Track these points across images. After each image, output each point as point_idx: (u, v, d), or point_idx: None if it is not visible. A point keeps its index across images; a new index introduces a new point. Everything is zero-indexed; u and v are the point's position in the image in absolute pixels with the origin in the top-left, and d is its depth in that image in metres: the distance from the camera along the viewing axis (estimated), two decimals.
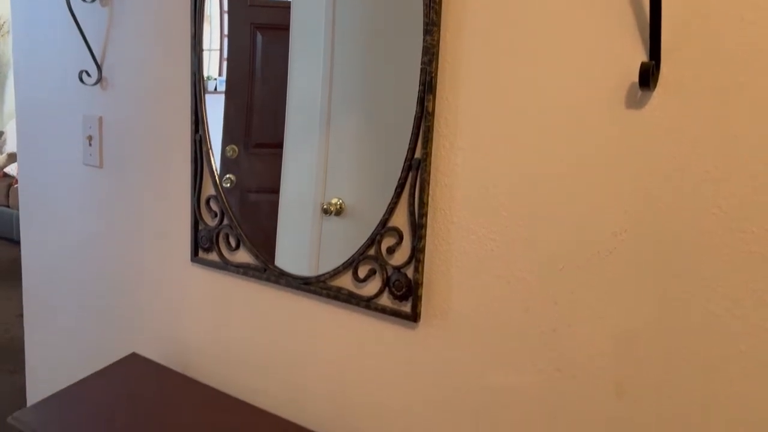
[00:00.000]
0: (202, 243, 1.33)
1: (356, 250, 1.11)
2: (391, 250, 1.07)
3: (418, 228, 1.03)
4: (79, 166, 1.57)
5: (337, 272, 1.14)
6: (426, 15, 0.96)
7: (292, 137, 1.22)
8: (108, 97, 1.47)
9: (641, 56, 0.81)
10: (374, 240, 1.08)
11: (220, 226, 1.30)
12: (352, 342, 1.15)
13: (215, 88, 1.31)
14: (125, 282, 1.53)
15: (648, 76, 0.78)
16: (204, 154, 1.30)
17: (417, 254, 1.03)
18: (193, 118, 1.30)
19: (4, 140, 5.95)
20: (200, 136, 1.30)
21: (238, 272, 1.28)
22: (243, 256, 1.28)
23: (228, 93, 1.32)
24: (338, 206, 1.16)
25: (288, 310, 1.23)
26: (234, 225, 1.27)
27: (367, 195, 1.12)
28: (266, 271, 1.24)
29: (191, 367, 1.41)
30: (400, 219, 1.05)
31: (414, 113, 1.00)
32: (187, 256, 1.38)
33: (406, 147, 1.02)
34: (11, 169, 5.30)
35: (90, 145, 1.51)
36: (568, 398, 0.92)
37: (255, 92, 1.30)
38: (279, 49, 1.23)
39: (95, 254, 1.59)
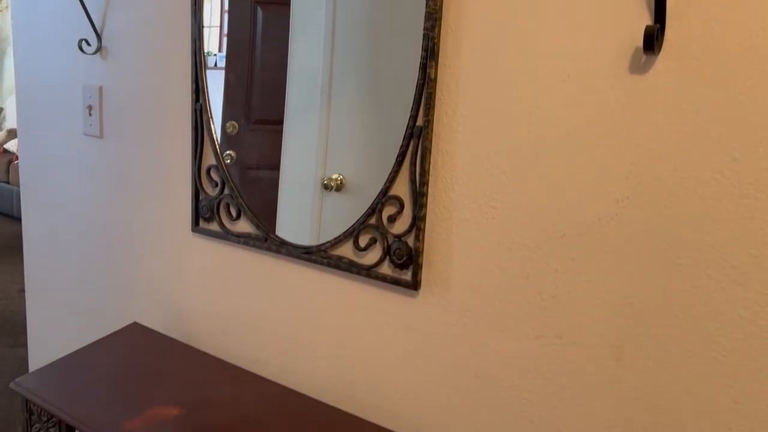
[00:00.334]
0: (203, 213, 1.33)
1: (357, 219, 1.11)
2: (391, 219, 1.07)
3: (419, 196, 1.03)
4: (79, 137, 1.56)
5: (337, 241, 1.14)
6: None
7: (293, 113, 1.22)
8: (108, 66, 1.46)
9: (646, 20, 0.80)
10: (375, 209, 1.08)
11: (221, 196, 1.30)
12: (352, 311, 1.15)
13: (215, 64, 1.31)
14: (126, 253, 1.53)
15: (652, 40, 0.78)
16: (204, 123, 1.29)
17: (418, 223, 1.03)
18: (194, 87, 1.29)
19: (4, 116, 5.93)
20: (201, 105, 1.29)
21: (238, 242, 1.28)
22: (244, 226, 1.28)
23: (228, 69, 1.31)
24: (339, 182, 1.16)
25: (289, 279, 1.23)
26: (235, 195, 1.27)
27: (368, 169, 1.11)
28: (267, 240, 1.24)
29: (192, 336, 1.42)
30: (401, 187, 1.05)
31: (416, 81, 0.99)
32: (188, 226, 1.38)
33: (408, 116, 1.01)
34: (11, 146, 5.28)
35: (90, 115, 1.51)
36: (567, 364, 0.93)
37: (255, 68, 1.29)
38: (279, 24, 1.22)
39: (96, 225, 1.59)
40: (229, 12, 1.28)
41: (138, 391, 1.14)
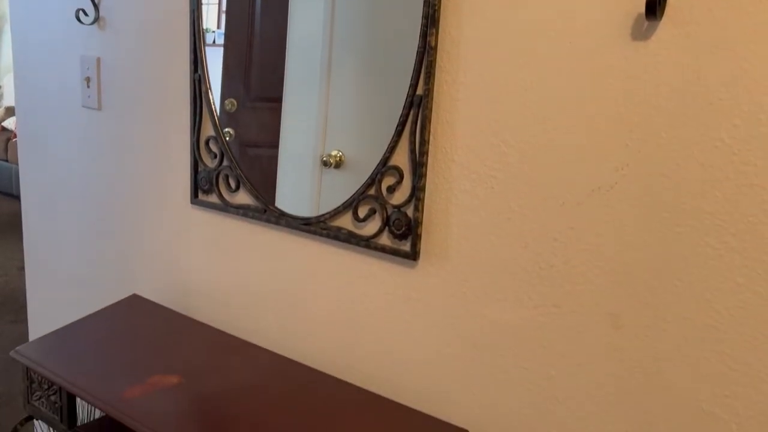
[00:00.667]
0: (202, 184, 1.33)
1: (356, 190, 1.10)
2: (391, 190, 1.07)
3: (419, 166, 1.02)
4: (77, 109, 1.56)
5: (337, 212, 1.14)
6: None
7: (292, 89, 1.21)
8: (106, 37, 1.45)
9: None
10: (374, 179, 1.08)
11: (220, 167, 1.29)
12: (351, 281, 1.15)
13: (214, 41, 1.29)
14: (125, 225, 1.53)
15: (655, 5, 0.77)
16: (203, 94, 1.29)
17: (417, 193, 1.03)
18: (192, 57, 1.28)
19: (1, 94, 5.90)
20: (199, 76, 1.28)
21: (238, 213, 1.28)
22: (243, 198, 1.28)
23: (227, 45, 1.30)
24: (338, 158, 1.15)
25: (288, 250, 1.23)
26: (234, 166, 1.27)
27: (368, 144, 1.11)
28: (266, 212, 1.24)
29: (192, 308, 1.42)
30: (401, 158, 1.04)
31: (416, 49, 0.98)
32: (187, 198, 1.37)
33: (408, 86, 1.00)
34: (9, 123, 5.26)
35: (88, 86, 1.50)
36: (565, 332, 0.93)
37: (254, 44, 1.28)
38: None
39: (95, 198, 1.59)
40: None
41: (138, 360, 1.15)
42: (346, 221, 1.13)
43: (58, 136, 1.64)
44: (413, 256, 1.05)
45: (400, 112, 1.02)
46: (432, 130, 1.01)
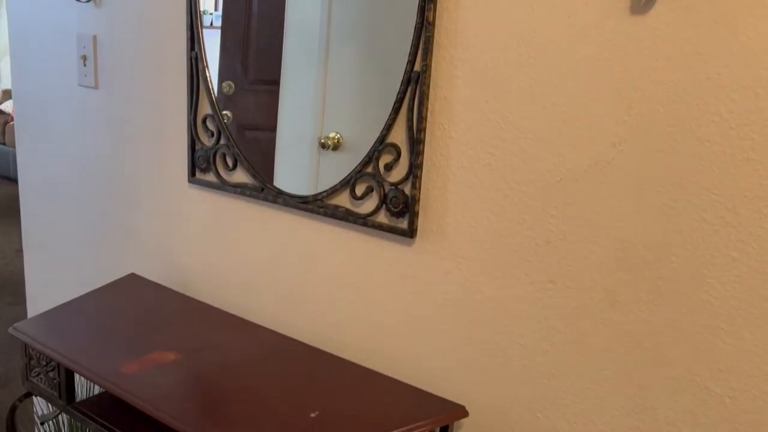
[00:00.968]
0: (199, 163, 1.33)
1: (353, 168, 1.10)
2: (388, 167, 1.06)
3: (416, 143, 1.02)
4: (74, 88, 1.55)
5: (334, 191, 1.14)
6: None
7: (290, 70, 1.20)
8: (102, 14, 1.44)
9: None
10: (372, 157, 1.08)
11: (217, 146, 1.29)
12: (349, 259, 1.15)
13: (211, 23, 1.29)
14: (123, 205, 1.53)
15: None
16: (200, 72, 1.28)
17: (415, 170, 1.03)
18: (189, 34, 1.28)
19: None
20: (196, 54, 1.28)
21: (235, 192, 1.28)
22: (240, 176, 1.28)
23: (224, 27, 1.29)
24: (336, 140, 1.15)
25: (285, 228, 1.23)
26: (231, 144, 1.27)
27: (366, 124, 1.11)
28: (263, 190, 1.24)
29: (190, 287, 1.42)
30: (399, 135, 1.04)
31: (414, 25, 0.98)
32: (185, 177, 1.37)
33: (405, 62, 1.00)
34: (6, 106, 5.24)
35: (84, 65, 1.49)
36: (561, 308, 0.94)
37: (252, 26, 1.27)
38: None
39: (92, 178, 1.58)
40: None
41: (135, 337, 1.15)
42: (343, 199, 1.13)
43: (55, 116, 1.63)
44: (410, 233, 1.05)
45: (398, 88, 1.02)
46: (429, 106, 1.01)
